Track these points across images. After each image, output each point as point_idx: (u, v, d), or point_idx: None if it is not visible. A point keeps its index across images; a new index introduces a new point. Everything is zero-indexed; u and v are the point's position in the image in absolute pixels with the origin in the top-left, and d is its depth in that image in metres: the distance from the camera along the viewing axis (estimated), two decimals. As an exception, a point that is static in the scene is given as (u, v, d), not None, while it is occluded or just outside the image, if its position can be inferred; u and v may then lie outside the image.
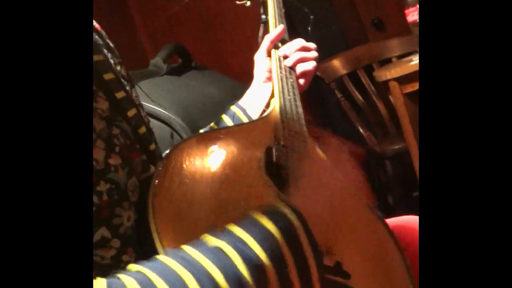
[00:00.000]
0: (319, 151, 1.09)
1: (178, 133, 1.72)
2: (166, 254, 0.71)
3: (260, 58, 1.32)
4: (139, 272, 0.67)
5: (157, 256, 0.71)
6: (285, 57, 1.29)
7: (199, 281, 0.66)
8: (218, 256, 0.69)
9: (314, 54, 1.31)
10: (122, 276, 0.67)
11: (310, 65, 1.29)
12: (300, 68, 1.29)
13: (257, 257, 0.70)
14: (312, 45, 1.32)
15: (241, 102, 1.29)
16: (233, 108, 1.28)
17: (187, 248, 0.71)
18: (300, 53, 1.29)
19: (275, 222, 0.73)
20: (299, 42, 1.32)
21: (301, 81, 1.30)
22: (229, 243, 0.70)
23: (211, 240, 0.71)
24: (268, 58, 1.31)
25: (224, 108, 1.31)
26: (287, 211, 0.75)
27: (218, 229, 0.73)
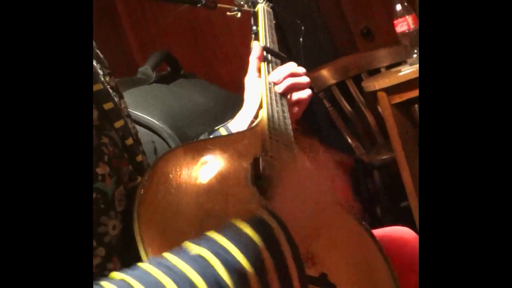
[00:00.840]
0: (305, 161, 1.09)
1: (165, 141, 1.71)
2: (147, 261, 0.72)
3: (250, 82, 1.29)
4: (121, 280, 0.68)
5: (139, 264, 0.71)
6: (275, 83, 1.27)
7: (180, 287, 0.67)
8: (199, 262, 0.69)
9: (306, 79, 1.29)
10: (104, 283, 0.67)
11: (305, 94, 1.28)
12: (295, 96, 1.28)
13: (238, 262, 0.70)
14: (301, 69, 1.30)
15: (230, 124, 1.27)
16: (221, 130, 1.26)
17: (168, 255, 0.71)
18: (291, 79, 1.27)
19: (255, 227, 0.74)
20: (289, 67, 1.31)
21: (295, 109, 1.28)
22: (209, 249, 0.71)
23: (192, 247, 0.72)
24: (258, 79, 1.29)
25: (212, 116, 1.30)
26: (266, 216, 0.76)
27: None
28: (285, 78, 1.27)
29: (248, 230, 0.73)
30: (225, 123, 1.28)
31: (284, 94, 1.26)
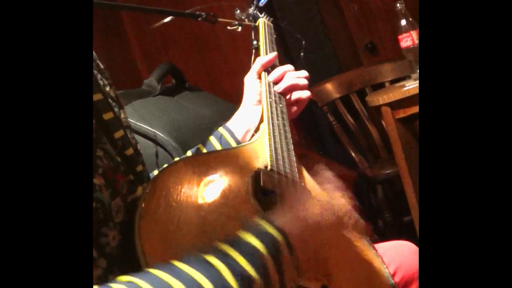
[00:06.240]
0: (306, 175, 1.09)
1: (170, 154, 1.71)
2: (154, 267, 0.72)
3: (250, 81, 1.33)
4: (130, 282, 0.68)
5: (147, 269, 0.71)
6: (275, 82, 1.30)
7: None
8: (207, 269, 0.70)
9: (304, 80, 1.31)
10: (113, 285, 0.68)
11: (305, 94, 1.30)
12: (295, 96, 1.29)
13: (244, 270, 0.71)
14: (303, 73, 1.33)
15: (229, 124, 1.29)
16: (221, 130, 1.28)
17: (176, 262, 0.72)
18: (291, 80, 1.29)
19: (260, 238, 0.75)
20: (289, 68, 1.32)
21: (293, 108, 1.30)
22: (216, 257, 0.72)
23: (199, 255, 0.72)
24: (258, 80, 1.31)
25: (215, 130, 1.31)
26: (271, 229, 0.76)
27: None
28: (284, 77, 1.30)
29: (252, 239, 0.75)
30: (224, 122, 1.30)
31: (283, 94, 1.28)
